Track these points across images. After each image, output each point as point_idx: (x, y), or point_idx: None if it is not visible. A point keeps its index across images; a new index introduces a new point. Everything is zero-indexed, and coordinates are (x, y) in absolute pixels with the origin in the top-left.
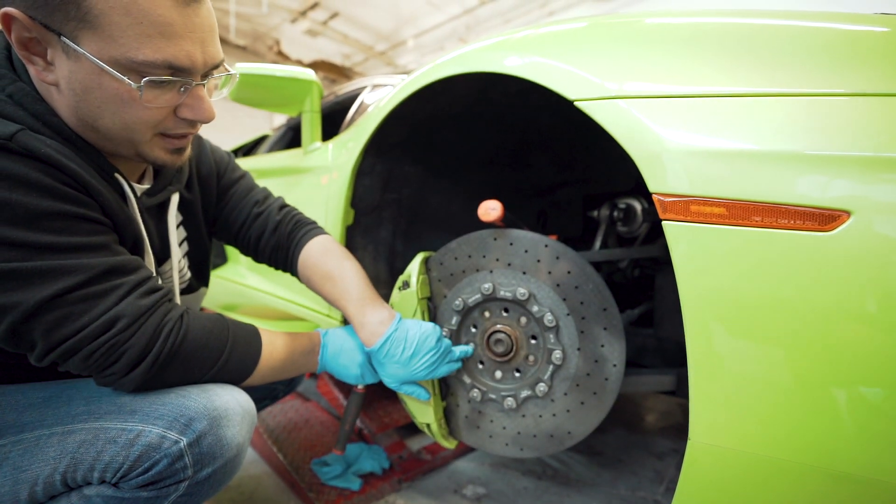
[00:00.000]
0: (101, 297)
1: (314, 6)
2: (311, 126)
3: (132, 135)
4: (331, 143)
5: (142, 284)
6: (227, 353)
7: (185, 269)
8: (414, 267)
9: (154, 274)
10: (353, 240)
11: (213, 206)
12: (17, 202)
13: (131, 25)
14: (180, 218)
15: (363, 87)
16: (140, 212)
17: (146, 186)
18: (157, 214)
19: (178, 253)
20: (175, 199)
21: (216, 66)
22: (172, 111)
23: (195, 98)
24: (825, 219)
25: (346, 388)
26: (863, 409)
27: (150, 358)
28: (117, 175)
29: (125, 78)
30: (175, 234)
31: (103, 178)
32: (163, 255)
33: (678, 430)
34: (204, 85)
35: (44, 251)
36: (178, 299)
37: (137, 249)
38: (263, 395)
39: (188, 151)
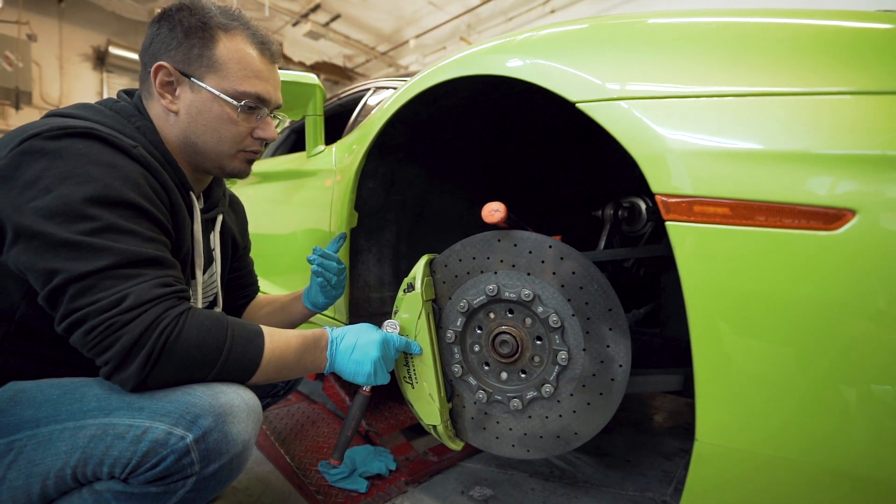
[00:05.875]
0: (125, 280)
1: (315, 9)
2: (315, 129)
3: (222, 147)
4: (334, 147)
5: (162, 278)
6: (226, 351)
7: (218, 282)
8: (418, 269)
9: (180, 276)
10: (358, 242)
11: (238, 251)
12: (112, 185)
13: (239, 70)
14: (219, 241)
15: (366, 90)
16: (201, 223)
17: (201, 207)
18: (206, 229)
19: (219, 261)
20: (220, 219)
21: (279, 108)
22: (250, 134)
23: (266, 123)
24: (830, 218)
25: (351, 389)
26: (871, 408)
27: (143, 352)
28: (191, 192)
29: (232, 100)
30: (219, 248)
31: (180, 192)
32: (207, 264)
33: (686, 429)
34: (272, 117)
35: (106, 230)
36: (220, 300)
37: (191, 254)
38: (264, 394)
39: (251, 166)
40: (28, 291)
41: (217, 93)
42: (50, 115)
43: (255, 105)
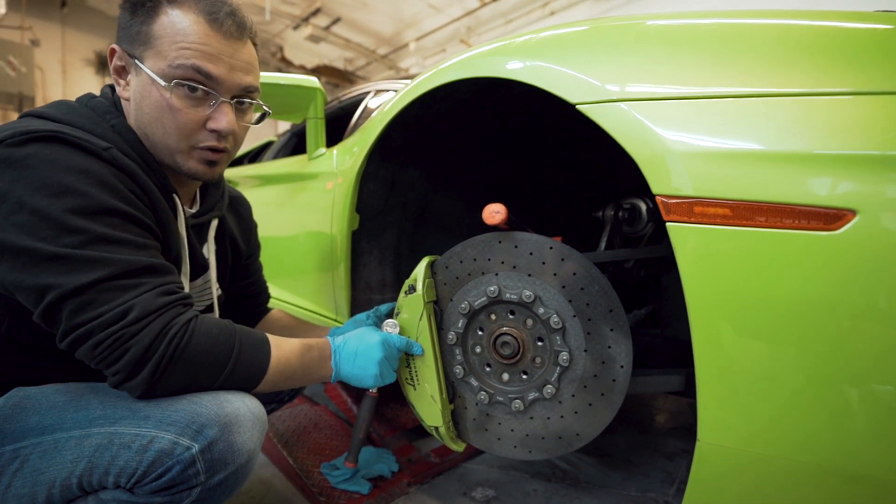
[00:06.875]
0: (126, 291)
1: (316, 12)
2: (316, 132)
3: (169, 141)
4: (335, 149)
5: (164, 286)
6: (233, 359)
7: (213, 289)
8: (419, 271)
9: (180, 280)
10: (359, 244)
11: (241, 257)
12: (91, 194)
13: (177, 43)
14: (214, 246)
15: (366, 93)
16: (186, 228)
17: (193, 211)
18: (198, 234)
19: (213, 267)
20: (214, 224)
21: (247, 92)
22: (203, 125)
23: (221, 112)
24: (830, 218)
25: (354, 391)
26: (873, 408)
27: (153, 361)
28: (175, 195)
29: (162, 81)
30: (213, 254)
31: (164, 195)
32: (199, 270)
33: (688, 430)
34: (231, 105)
35: (96, 241)
36: (216, 307)
37: (178, 260)
38: (269, 400)
39: (221, 168)
40: (11, 307)
41: (150, 73)
42: (25, 115)
43: (196, 85)
